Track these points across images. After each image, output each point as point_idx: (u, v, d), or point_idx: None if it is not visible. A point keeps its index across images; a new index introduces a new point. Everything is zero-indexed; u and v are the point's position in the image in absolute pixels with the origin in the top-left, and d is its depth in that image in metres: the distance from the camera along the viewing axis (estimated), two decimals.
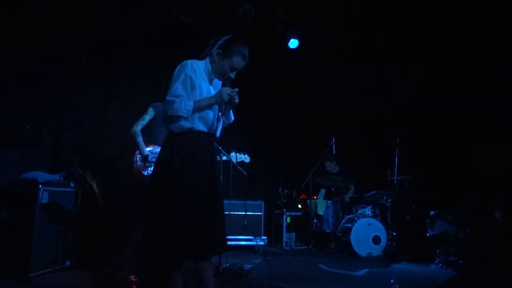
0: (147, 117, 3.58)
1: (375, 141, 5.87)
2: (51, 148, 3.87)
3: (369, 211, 5.15)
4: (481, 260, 4.14)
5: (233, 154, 3.86)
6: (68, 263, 3.39)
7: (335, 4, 5.16)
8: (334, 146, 5.36)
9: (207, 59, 2.27)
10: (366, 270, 4.04)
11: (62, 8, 3.89)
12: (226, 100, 2.15)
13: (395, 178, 5.08)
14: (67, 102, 4.03)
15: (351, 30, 5.66)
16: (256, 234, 5.09)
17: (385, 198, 5.17)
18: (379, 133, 5.87)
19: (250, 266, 3.94)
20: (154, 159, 3.22)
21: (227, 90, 2.16)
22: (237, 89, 2.20)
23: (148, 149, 3.33)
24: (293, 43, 5.79)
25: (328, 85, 6.58)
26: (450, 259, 4.32)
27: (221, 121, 2.25)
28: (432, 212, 4.68)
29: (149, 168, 3.53)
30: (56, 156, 3.91)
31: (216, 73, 2.27)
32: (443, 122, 5.33)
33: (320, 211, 5.63)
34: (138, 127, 3.50)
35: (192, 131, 2.15)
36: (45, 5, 3.76)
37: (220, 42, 2.24)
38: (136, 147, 3.52)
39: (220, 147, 3.71)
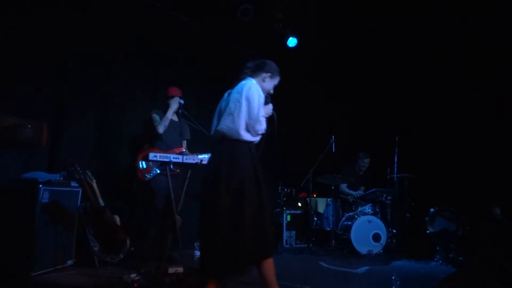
0: (158, 118, 3.88)
1: (375, 139, 5.88)
2: (50, 148, 3.87)
3: (369, 208, 5.16)
4: (481, 257, 4.15)
5: None
6: (69, 262, 3.38)
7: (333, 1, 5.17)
8: (333, 144, 5.37)
9: (254, 80, 2.66)
10: (366, 267, 4.05)
11: (62, 9, 3.89)
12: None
13: (394, 175, 5.08)
14: (66, 102, 4.03)
15: (350, 26, 5.66)
16: None
17: (385, 195, 5.19)
18: (378, 131, 5.87)
19: None
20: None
21: (271, 105, 2.72)
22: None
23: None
24: (292, 42, 5.80)
25: (327, 83, 6.59)
26: (450, 256, 4.34)
27: None
28: (431, 210, 4.70)
29: (152, 172, 3.60)
30: (56, 156, 3.91)
31: (265, 91, 2.71)
32: (443, 119, 5.34)
33: (320, 209, 5.64)
34: (159, 126, 3.82)
35: None
36: (45, 8, 3.76)
37: (267, 66, 2.71)
38: (139, 151, 3.81)
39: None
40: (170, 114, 3.86)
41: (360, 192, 5.57)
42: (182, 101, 3.83)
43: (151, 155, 3.13)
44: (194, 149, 4.05)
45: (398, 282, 3.51)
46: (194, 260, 4.06)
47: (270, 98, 2.75)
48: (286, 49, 5.82)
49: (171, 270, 3.03)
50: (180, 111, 3.82)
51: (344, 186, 5.74)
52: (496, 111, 4.78)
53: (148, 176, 3.67)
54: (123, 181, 4.32)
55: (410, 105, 5.58)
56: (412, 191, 5.10)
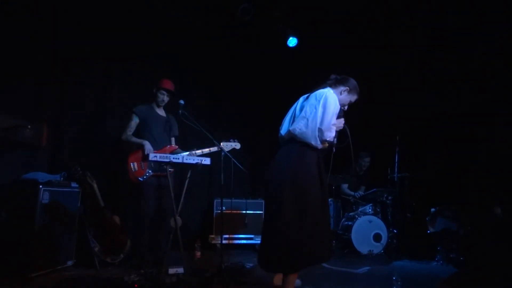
0: (133, 124, 3.78)
1: (375, 139, 5.86)
2: (51, 149, 3.87)
3: (369, 208, 5.15)
4: (482, 257, 4.14)
5: (223, 143, 3.87)
6: (69, 263, 3.38)
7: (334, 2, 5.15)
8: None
9: (332, 90, 2.75)
10: (367, 267, 4.04)
11: (63, 6, 3.89)
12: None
13: (395, 175, 5.08)
14: (66, 102, 4.03)
15: (350, 26, 5.64)
16: (257, 233, 5.08)
17: (385, 195, 5.18)
18: (379, 130, 5.86)
19: (251, 264, 3.93)
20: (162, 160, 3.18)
21: (343, 120, 2.77)
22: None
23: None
24: (292, 41, 5.79)
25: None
26: (451, 256, 4.32)
27: None
28: (432, 209, 4.69)
29: (145, 174, 3.58)
30: (56, 157, 3.91)
31: (340, 104, 2.77)
32: (444, 118, 5.33)
33: None
34: (127, 134, 3.73)
35: None
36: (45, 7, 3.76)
37: (348, 81, 2.84)
38: (132, 150, 3.67)
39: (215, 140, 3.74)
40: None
41: (360, 193, 5.56)
42: (182, 101, 3.77)
43: (151, 156, 3.11)
44: (190, 146, 4.00)
45: (399, 283, 3.51)
46: (194, 261, 4.06)
47: (343, 113, 2.85)
48: (286, 48, 5.81)
49: (172, 271, 3.03)
50: (180, 111, 3.76)
51: (345, 187, 5.73)
52: (496, 110, 4.76)
53: (141, 179, 3.61)
54: (123, 182, 4.31)
55: (411, 104, 5.56)
56: (413, 190, 5.09)
